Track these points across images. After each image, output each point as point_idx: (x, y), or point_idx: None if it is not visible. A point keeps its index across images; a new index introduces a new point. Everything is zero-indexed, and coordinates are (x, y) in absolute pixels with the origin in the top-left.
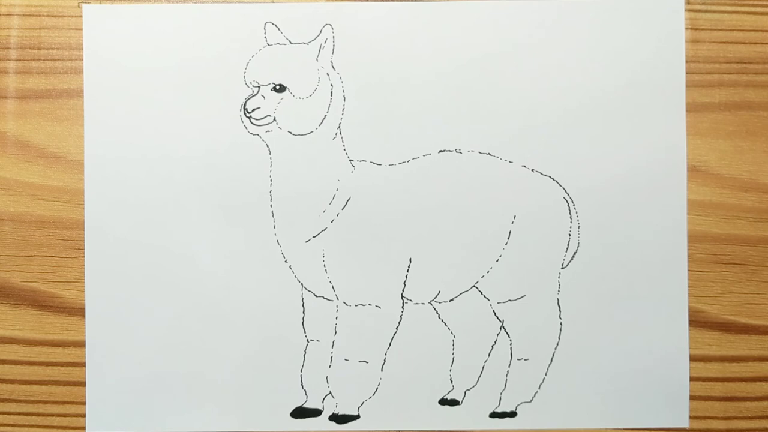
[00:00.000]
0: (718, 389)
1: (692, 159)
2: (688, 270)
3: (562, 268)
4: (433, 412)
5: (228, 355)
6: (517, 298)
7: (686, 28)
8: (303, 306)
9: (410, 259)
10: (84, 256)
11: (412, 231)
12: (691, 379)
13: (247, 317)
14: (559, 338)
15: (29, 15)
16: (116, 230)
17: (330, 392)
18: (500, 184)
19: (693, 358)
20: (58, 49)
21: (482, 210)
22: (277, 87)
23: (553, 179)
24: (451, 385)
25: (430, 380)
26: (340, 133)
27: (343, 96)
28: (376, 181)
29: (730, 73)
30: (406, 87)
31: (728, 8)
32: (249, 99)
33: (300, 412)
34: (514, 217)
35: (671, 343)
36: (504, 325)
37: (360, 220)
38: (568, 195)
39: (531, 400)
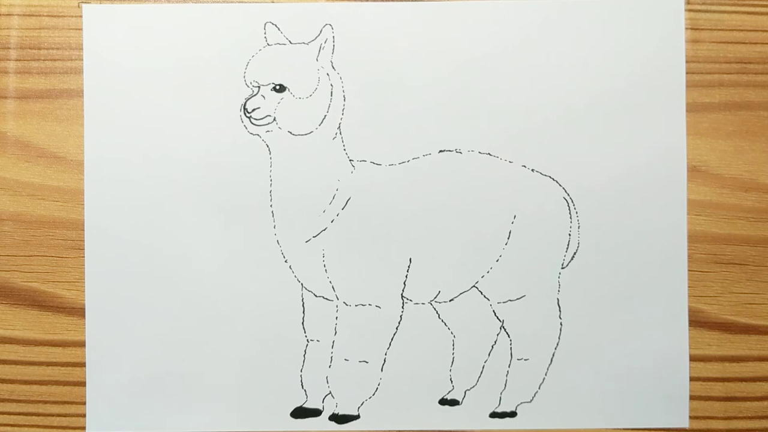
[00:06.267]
0: (718, 389)
1: (692, 159)
2: (688, 270)
3: (562, 268)
4: (433, 412)
5: (228, 355)
6: (517, 298)
7: (686, 28)
8: (303, 306)
9: (410, 259)
10: (84, 256)
11: (412, 231)
12: (691, 379)
13: (247, 317)
14: (559, 338)
15: (29, 15)
16: (116, 230)
17: (330, 392)
18: (500, 184)
19: (693, 358)
20: (58, 49)
21: (482, 210)
22: (277, 87)
23: (553, 179)
24: (451, 385)
25: (430, 380)
26: (340, 133)
27: (343, 96)
28: (376, 181)
29: (730, 73)
30: (406, 87)
31: (728, 8)
32: (249, 99)
33: (300, 412)
34: (514, 217)
35: (671, 343)
36: (504, 325)
37: (360, 220)
38: (568, 195)
39: (531, 400)
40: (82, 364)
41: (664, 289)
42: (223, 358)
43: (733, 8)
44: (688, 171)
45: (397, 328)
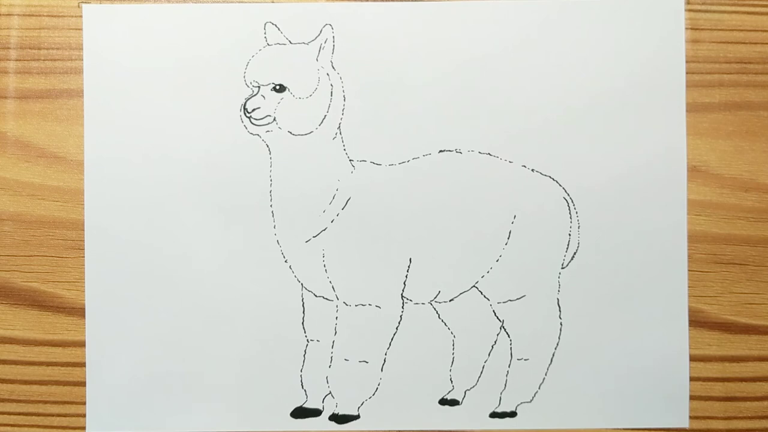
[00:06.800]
0: (718, 389)
1: (692, 159)
2: (688, 270)
3: (562, 268)
4: (433, 412)
5: (228, 355)
6: (517, 298)
7: (686, 28)
8: (303, 306)
9: (410, 259)
10: (84, 256)
11: (412, 231)
12: (691, 379)
13: (247, 317)
14: (559, 338)
15: (29, 15)
16: (116, 230)
17: (330, 392)
18: (500, 184)
19: (693, 358)
20: (58, 49)
21: (482, 210)
22: (277, 87)
23: (553, 179)
24: (451, 385)
25: (430, 380)
26: (340, 133)
27: (343, 96)
28: (376, 181)
29: (730, 73)
30: (406, 87)
31: (728, 8)
32: (249, 99)
33: (300, 412)
34: (514, 217)
35: (671, 343)
36: (504, 325)
37: (360, 220)
38: (568, 195)
39: (531, 400)
40: (82, 364)
41: (664, 289)
42: (223, 358)
43: (733, 8)
44: (688, 171)
45: (397, 328)
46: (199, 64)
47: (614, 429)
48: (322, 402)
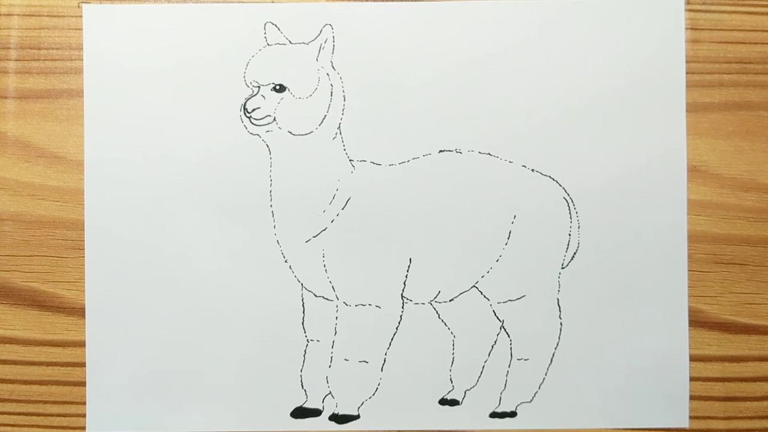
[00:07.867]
0: (718, 389)
1: (692, 159)
2: (688, 270)
3: (562, 268)
4: (433, 412)
5: (228, 355)
6: (517, 298)
7: (686, 28)
8: (303, 306)
9: (410, 259)
10: (84, 256)
11: (412, 231)
12: (691, 379)
13: (247, 317)
14: (559, 338)
15: (29, 15)
16: (116, 230)
17: (330, 392)
18: (500, 184)
19: (693, 358)
20: (58, 49)
21: (482, 210)
22: (277, 87)
23: (553, 179)
24: (451, 385)
25: (430, 380)
26: (340, 133)
27: (343, 96)
28: (376, 181)
29: (730, 73)
30: (406, 87)
31: (728, 8)
32: (249, 99)
33: (300, 412)
34: (514, 217)
35: (671, 343)
36: (504, 325)
37: (360, 220)
38: (568, 195)
39: (531, 400)
40: (82, 364)
41: (664, 289)
42: (223, 358)
43: (733, 8)
44: (688, 171)
45: (397, 328)
46: (199, 64)
47: (614, 429)
48: (322, 402)
